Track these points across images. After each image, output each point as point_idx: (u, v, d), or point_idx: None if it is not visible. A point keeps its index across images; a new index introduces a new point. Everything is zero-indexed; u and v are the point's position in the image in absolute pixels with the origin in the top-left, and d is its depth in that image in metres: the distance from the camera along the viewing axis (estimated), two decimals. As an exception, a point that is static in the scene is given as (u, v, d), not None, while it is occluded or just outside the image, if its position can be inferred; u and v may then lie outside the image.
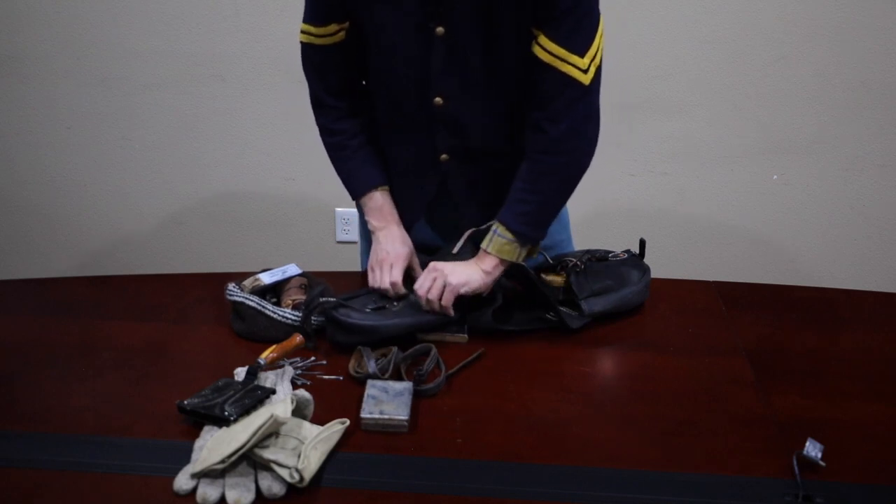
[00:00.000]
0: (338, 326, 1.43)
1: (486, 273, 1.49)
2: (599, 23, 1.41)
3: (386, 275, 1.52)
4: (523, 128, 1.49)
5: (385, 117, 1.58)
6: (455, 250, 1.52)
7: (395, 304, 1.50)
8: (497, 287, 1.52)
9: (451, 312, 1.47)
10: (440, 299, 1.46)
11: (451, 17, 1.39)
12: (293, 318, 1.46)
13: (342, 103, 1.57)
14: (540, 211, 1.50)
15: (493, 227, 1.49)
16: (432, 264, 1.49)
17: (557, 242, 1.70)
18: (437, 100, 1.48)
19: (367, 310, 1.46)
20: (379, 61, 1.50)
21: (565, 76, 1.39)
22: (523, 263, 1.50)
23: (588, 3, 1.38)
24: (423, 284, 1.48)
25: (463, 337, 1.48)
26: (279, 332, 1.45)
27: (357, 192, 1.60)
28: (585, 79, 1.40)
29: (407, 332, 1.45)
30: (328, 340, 1.45)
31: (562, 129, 1.43)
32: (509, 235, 1.48)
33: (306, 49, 1.53)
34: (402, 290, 1.51)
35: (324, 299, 1.44)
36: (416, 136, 1.55)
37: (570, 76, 1.39)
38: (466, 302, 1.49)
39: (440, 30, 1.40)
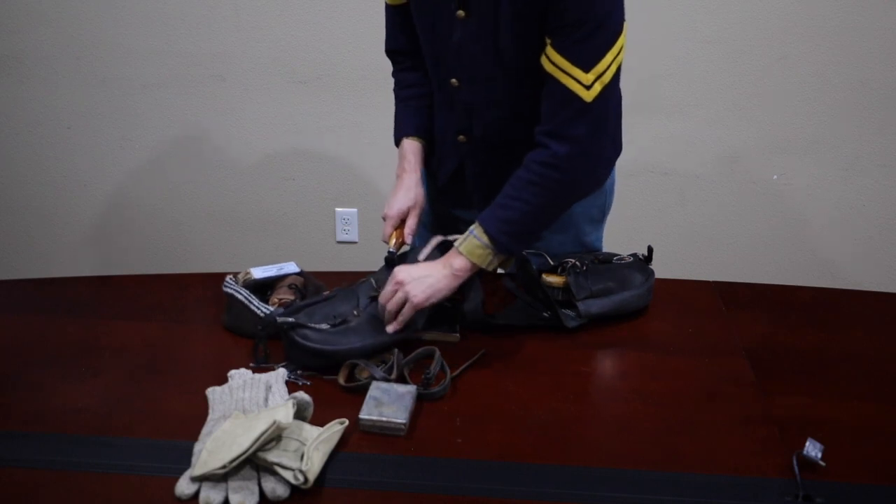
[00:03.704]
0: (295, 346, 1.38)
1: (455, 276, 1.41)
2: (616, 41, 1.33)
3: (387, 228, 1.56)
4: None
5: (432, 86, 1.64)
6: (422, 257, 1.46)
7: (355, 313, 1.42)
8: (479, 282, 1.49)
9: (409, 324, 1.41)
10: (398, 312, 1.40)
11: (471, 2, 1.40)
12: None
13: (406, 59, 1.65)
14: (522, 221, 1.41)
15: (472, 228, 1.43)
16: (396, 273, 1.41)
17: (590, 242, 1.68)
18: (453, 81, 1.51)
19: (326, 326, 1.39)
20: (420, 35, 1.55)
21: (566, 89, 1.34)
22: (526, 256, 1.49)
23: (602, 17, 1.31)
24: (385, 295, 1.41)
25: (455, 336, 1.47)
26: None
27: (395, 138, 1.65)
28: (587, 95, 1.34)
29: (366, 354, 1.39)
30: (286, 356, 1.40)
31: (562, 147, 1.38)
32: (485, 239, 1.40)
33: (386, 7, 1.64)
34: (393, 246, 1.53)
35: (281, 319, 1.38)
36: (443, 110, 1.59)
37: (571, 90, 1.34)
38: (452, 299, 1.46)
39: (461, 13, 1.42)
